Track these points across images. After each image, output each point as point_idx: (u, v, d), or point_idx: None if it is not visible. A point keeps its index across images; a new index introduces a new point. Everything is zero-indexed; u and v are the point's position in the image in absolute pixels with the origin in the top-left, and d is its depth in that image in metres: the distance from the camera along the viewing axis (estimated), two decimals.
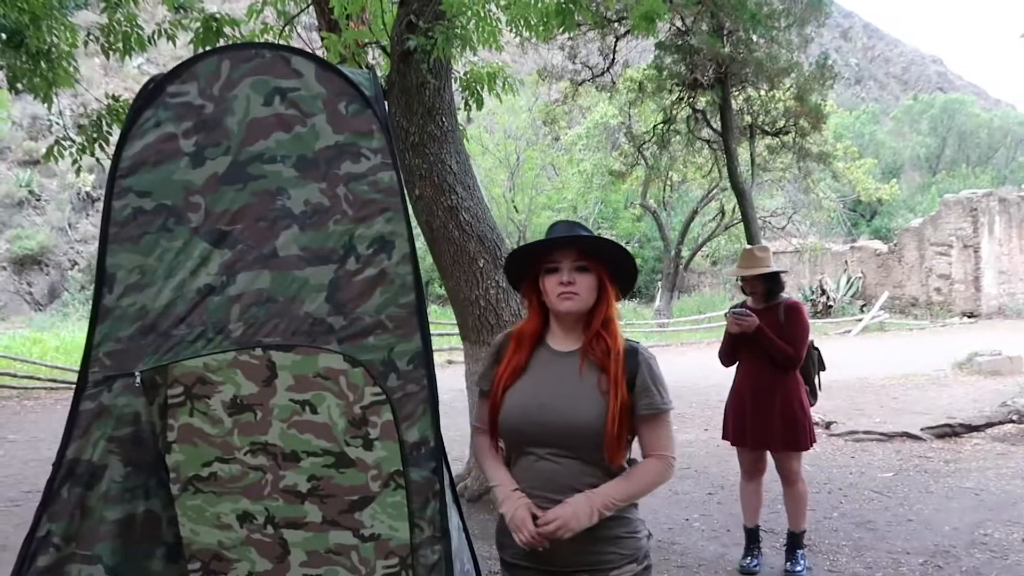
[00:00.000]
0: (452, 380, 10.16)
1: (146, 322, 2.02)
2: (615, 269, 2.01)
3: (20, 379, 13.24)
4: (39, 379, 13.37)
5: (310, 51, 2.07)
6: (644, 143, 15.38)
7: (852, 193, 24.40)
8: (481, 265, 5.30)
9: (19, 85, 6.37)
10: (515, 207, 26.28)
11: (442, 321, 18.07)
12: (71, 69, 6.53)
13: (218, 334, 2.02)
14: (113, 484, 2.04)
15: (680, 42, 10.60)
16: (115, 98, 6.58)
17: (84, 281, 27.39)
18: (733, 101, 11.19)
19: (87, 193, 29.94)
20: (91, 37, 6.51)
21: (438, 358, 15.38)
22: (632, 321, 23.21)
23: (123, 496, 2.06)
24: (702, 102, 12.05)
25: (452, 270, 5.37)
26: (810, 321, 4.29)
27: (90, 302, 2.02)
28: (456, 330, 6.50)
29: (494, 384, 2.02)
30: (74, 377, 12.79)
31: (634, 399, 1.92)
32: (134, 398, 2.05)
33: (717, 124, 11.71)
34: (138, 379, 2.03)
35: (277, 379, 2.33)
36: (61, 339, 18.52)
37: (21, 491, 6.62)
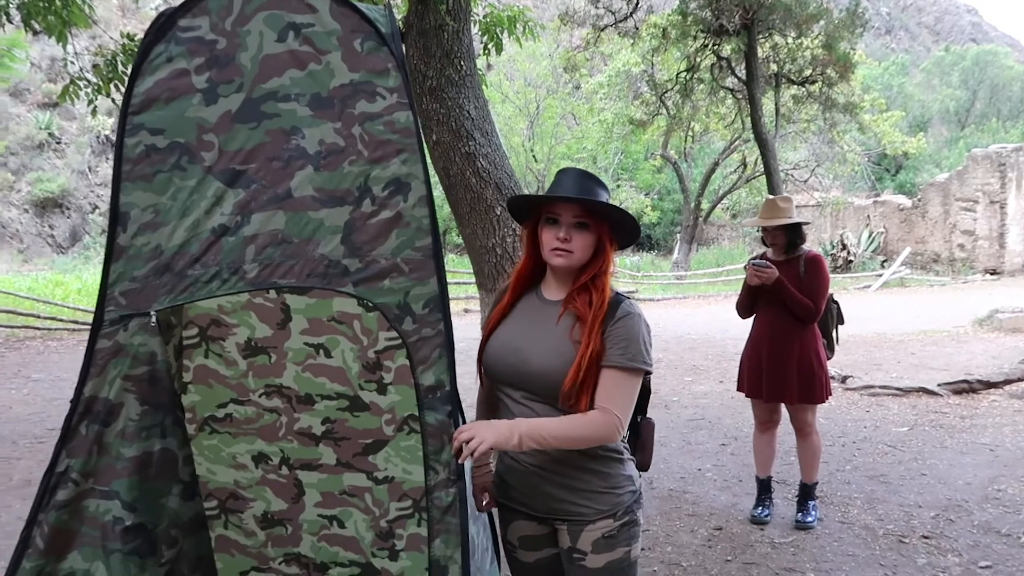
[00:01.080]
0: (468, 328, 10.20)
1: (160, 261, 2.01)
2: (617, 226, 1.98)
3: (43, 320, 13.44)
4: (61, 320, 13.57)
5: None
6: (666, 92, 15.09)
7: (877, 146, 23.95)
8: (498, 213, 5.25)
9: (34, 24, 6.29)
10: (534, 156, 26.05)
11: (459, 270, 18.10)
12: (86, 8, 6.45)
13: (233, 275, 2.00)
14: (129, 422, 2.06)
15: None
16: (130, 37, 6.50)
17: (104, 224, 27.57)
18: (759, 49, 10.90)
19: (106, 136, 29.95)
20: None
21: (455, 306, 15.48)
22: (650, 273, 23.16)
23: (139, 434, 2.07)
24: (727, 49, 11.75)
25: (469, 218, 5.32)
26: (830, 275, 4.23)
27: None
28: (472, 278, 6.48)
29: (486, 325, 2.07)
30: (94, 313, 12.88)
31: (604, 349, 1.88)
32: (150, 337, 2.05)
33: (742, 72, 11.44)
34: (153, 319, 2.03)
35: (291, 322, 2.33)
36: (83, 281, 18.78)
37: (45, 428, 6.77)
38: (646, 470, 2.13)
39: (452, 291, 16.83)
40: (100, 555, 2.00)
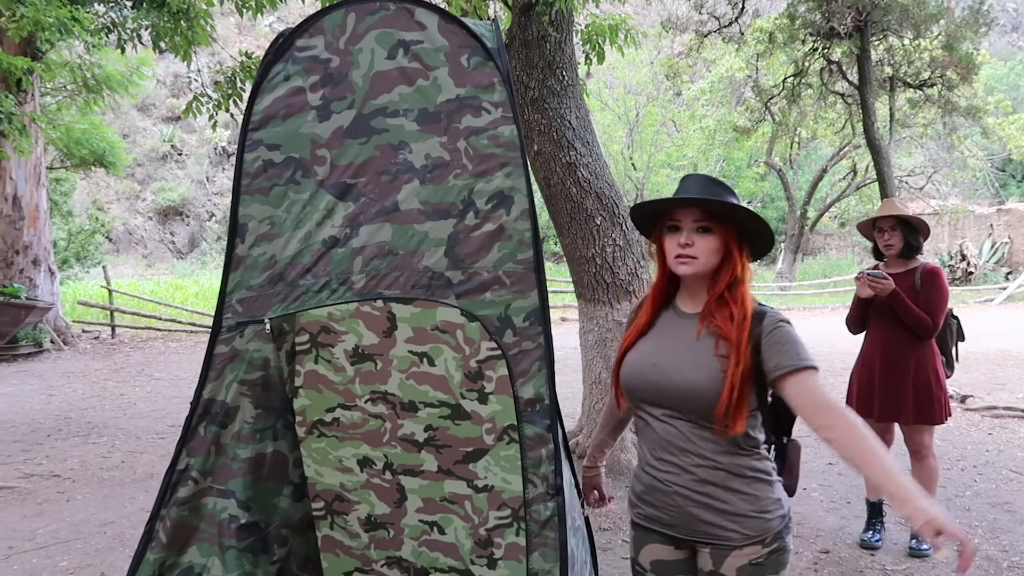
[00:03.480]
0: (566, 338, 10.19)
1: (275, 271, 2.10)
2: (746, 230, 1.87)
3: (164, 322, 14.27)
4: (180, 322, 14.36)
5: (433, 3, 2.05)
6: (772, 97, 14.67)
7: (1002, 151, 22.50)
8: (598, 223, 5.23)
9: (162, 44, 6.72)
10: (633, 164, 25.81)
11: (557, 279, 18.10)
12: (208, 28, 6.83)
13: (341, 285, 2.07)
14: (245, 424, 2.15)
15: None
16: (248, 55, 6.84)
17: (220, 232, 29.09)
18: (873, 51, 10.44)
19: (223, 148, 31.59)
20: None
21: (552, 315, 15.47)
22: (752, 283, 22.49)
23: (253, 436, 2.17)
24: (838, 53, 11.32)
25: (569, 227, 5.33)
26: (949, 288, 4.00)
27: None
28: (571, 287, 6.48)
29: (622, 343, 1.99)
30: (211, 321, 13.62)
31: (763, 364, 1.78)
32: (264, 344, 2.15)
33: (853, 76, 10.98)
34: (267, 326, 2.12)
35: (397, 331, 2.39)
36: (200, 286, 19.85)
37: (166, 425, 7.17)
38: (792, 494, 2.01)
39: (550, 300, 16.75)
40: (216, 551, 2.10)
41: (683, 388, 1.80)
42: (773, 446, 1.99)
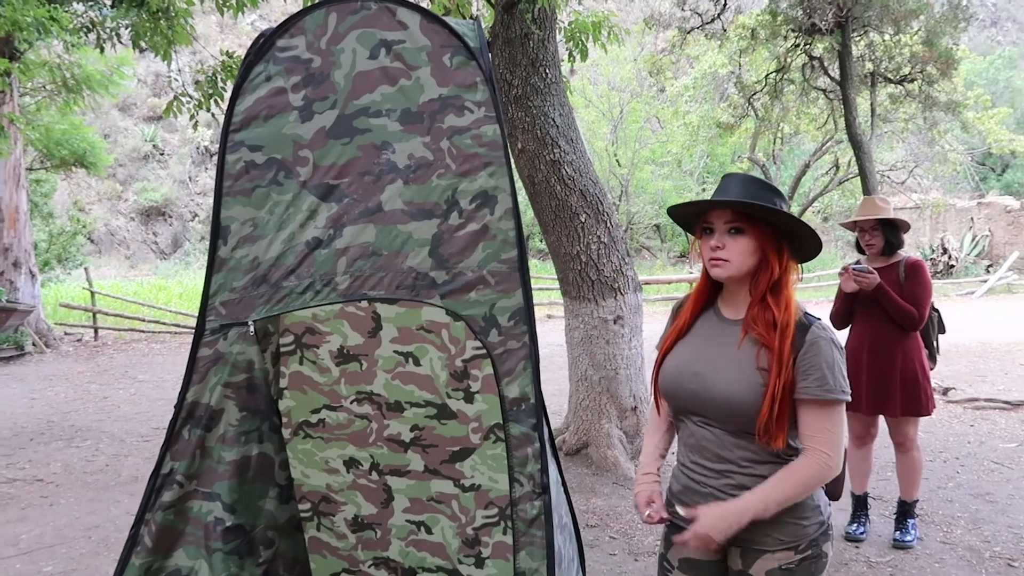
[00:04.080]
0: (552, 335, 10.20)
1: (258, 273, 2.09)
2: (785, 231, 1.81)
3: (147, 323, 14.16)
4: (164, 324, 14.26)
5: (415, 2, 2.05)
6: (755, 93, 14.73)
7: (982, 145, 22.70)
8: (583, 220, 5.24)
9: (141, 43, 6.66)
10: (617, 161, 25.87)
11: (542, 276, 18.13)
12: (188, 26, 6.78)
13: (325, 286, 2.07)
14: (229, 427, 2.15)
15: None
16: (229, 54, 6.79)
17: (203, 232, 28.89)
18: (854, 47, 10.50)
19: (205, 147, 31.37)
20: None
21: (538, 312, 15.52)
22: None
23: (238, 439, 2.16)
24: (819, 49, 11.39)
25: (553, 225, 5.33)
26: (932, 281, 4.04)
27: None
28: (556, 285, 6.49)
29: (662, 344, 1.96)
30: (195, 323, 13.59)
31: (795, 379, 1.73)
32: (248, 346, 2.14)
33: (835, 72, 11.05)
34: (251, 328, 2.11)
35: (382, 331, 2.38)
36: (184, 286, 19.71)
37: (150, 427, 7.12)
38: (837, 499, 1.95)
39: (535, 297, 16.86)
40: (203, 554, 2.10)
41: (723, 400, 1.77)
42: None
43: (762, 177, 1.97)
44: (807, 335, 1.75)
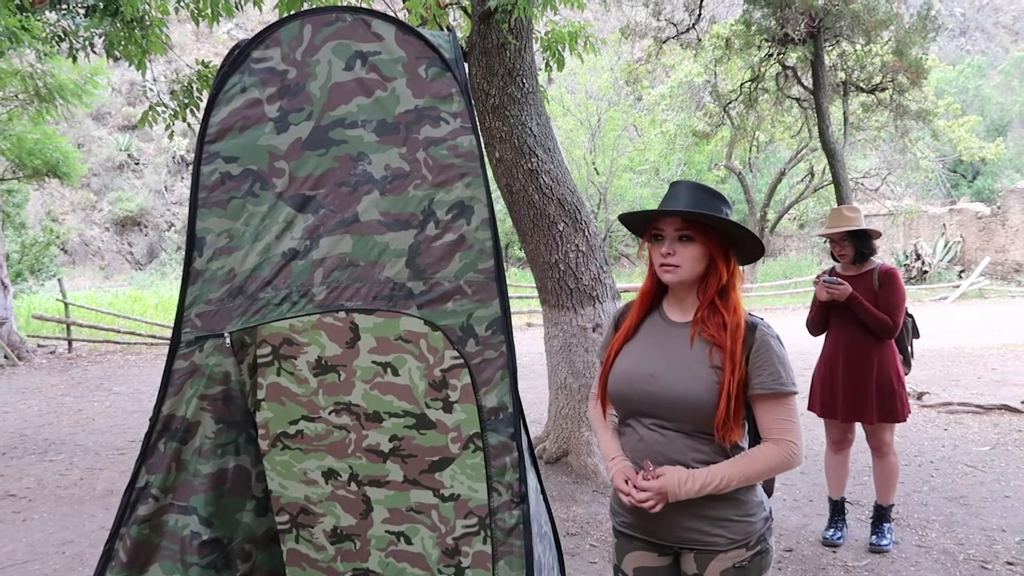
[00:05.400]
0: (531, 343, 10.20)
1: (234, 284, 2.09)
2: (730, 236, 1.89)
3: (123, 335, 13.99)
4: (140, 335, 14.09)
5: (391, 13, 2.05)
6: (730, 102, 14.88)
7: (953, 152, 23.10)
8: (561, 229, 5.26)
9: (115, 52, 6.61)
10: (596, 169, 26.00)
11: (521, 284, 18.15)
12: (163, 36, 6.73)
13: (302, 297, 2.06)
14: (206, 440, 2.13)
15: None
16: (205, 64, 6.76)
17: (180, 242, 28.64)
18: (826, 57, 10.65)
19: (181, 157, 31.11)
20: (182, 3, 6.68)
21: (517, 321, 15.53)
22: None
23: (215, 451, 2.15)
24: (792, 58, 11.53)
25: (532, 234, 5.35)
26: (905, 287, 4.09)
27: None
28: (535, 293, 6.49)
29: (607, 349, 1.98)
30: (171, 334, 13.41)
31: (748, 377, 1.81)
32: (224, 358, 2.12)
33: (808, 81, 11.19)
34: (227, 340, 2.10)
35: (360, 341, 2.38)
36: (160, 297, 19.50)
37: (126, 440, 7.03)
38: (770, 494, 2.03)
39: (514, 305, 16.89)
40: (179, 568, 2.08)
41: (680, 399, 1.80)
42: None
43: (714, 187, 2.01)
44: (755, 334, 1.84)
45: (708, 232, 1.85)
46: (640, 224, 1.96)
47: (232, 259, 2.08)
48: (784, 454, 1.80)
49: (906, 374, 4.12)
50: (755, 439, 1.96)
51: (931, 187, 27.03)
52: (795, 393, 1.84)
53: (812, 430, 6.46)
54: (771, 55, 11.63)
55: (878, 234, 4.07)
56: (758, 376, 1.81)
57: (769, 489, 2.03)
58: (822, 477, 4.45)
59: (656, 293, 1.97)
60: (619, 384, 1.90)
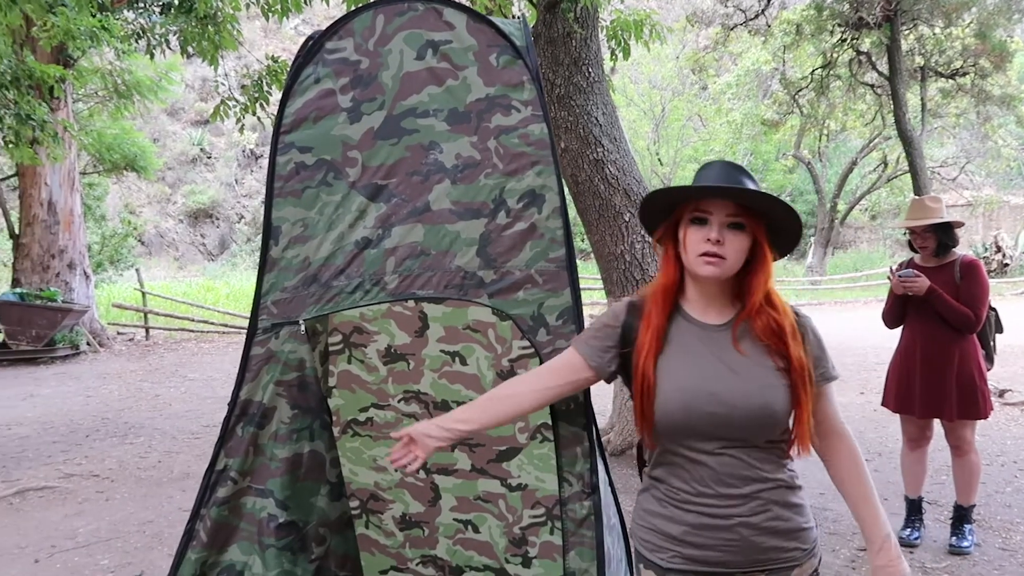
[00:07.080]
0: None
1: (308, 273, 2.12)
2: (775, 227, 1.63)
3: (196, 323, 14.46)
4: (213, 323, 14.55)
5: (461, 2, 2.06)
6: (800, 90, 14.52)
7: None
8: (627, 219, 5.21)
9: (189, 48, 6.80)
10: (659, 160, 25.68)
11: (585, 275, 18.06)
12: (234, 32, 6.90)
13: (375, 286, 2.08)
14: (281, 425, 2.18)
15: None
16: (274, 59, 6.90)
17: (250, 233, 29.42)
18: (903, 41, 10.28)
19: (251, 150, 31.94)
20: (252, 0, 6.83)
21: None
22: (782, 278, 22.31)
23: (290, 436, 2.19)
24: (867, 43, 11.17)
25: (597, 224, 5.31)
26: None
27: (255, 253, 2.15)
28: (600, 284, 6.45)
29: (636, 356, 1.67)
30: (243, 322, 13.89)
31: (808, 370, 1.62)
32: (299, 345, 2.16)
33: (883, 67, 10.83)
34: (302, 327, 2.14)
35: (429, 330, 2.39)
36: (231, 287, 20.09)
37: (200, 425, 7.27)
38: None
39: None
40: (256, 550, 2.13)
41: (757, 415, 1.57)
42: None
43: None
44: (803, 324, 1.66)
45: (759, 220, 1.60)
46: (666, 208, 1.66)
47: (306, 248, 2.12)
48: (855, 443, 1.68)
49: (988, 370, 3.95)
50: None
51: (1013, 176, 25.87)
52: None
53: (886, 426, 6.27)
54: (844, 40, 11.29)
55: (961, 225, 3.90)
56: (817, 368, 1.63)
57: None
58: (897, 475, 4.30)
59: (676, 293, 1.69)
60: (675, 410, 1.60)
